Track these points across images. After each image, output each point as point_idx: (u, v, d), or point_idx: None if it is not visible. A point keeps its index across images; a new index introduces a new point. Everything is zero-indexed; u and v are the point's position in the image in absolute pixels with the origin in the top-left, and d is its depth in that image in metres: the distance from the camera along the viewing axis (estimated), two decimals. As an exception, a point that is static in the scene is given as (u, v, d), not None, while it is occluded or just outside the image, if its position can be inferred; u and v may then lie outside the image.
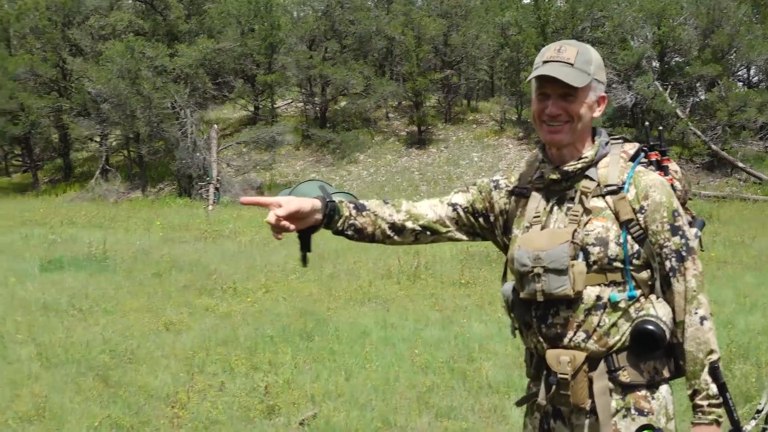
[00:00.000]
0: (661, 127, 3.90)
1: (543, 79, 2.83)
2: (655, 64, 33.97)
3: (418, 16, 36.60)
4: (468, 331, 9.62)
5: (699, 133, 30.70)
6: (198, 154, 31.45)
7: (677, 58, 34.27)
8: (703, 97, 33.10)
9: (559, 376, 2.84)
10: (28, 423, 6.66)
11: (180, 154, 32.24)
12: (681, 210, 2.85)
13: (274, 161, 33.75)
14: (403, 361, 8.34)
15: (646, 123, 3.46)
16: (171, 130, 32.80)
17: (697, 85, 33.46)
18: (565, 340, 2.83)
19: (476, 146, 35.17)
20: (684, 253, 2.78)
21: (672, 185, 2.93)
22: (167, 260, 15.13)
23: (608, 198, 2.82)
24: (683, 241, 2.79)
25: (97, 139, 36.68)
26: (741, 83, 35.58)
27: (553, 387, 2.88)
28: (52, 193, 35.59)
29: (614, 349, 2.80)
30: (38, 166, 39.75)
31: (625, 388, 2.82)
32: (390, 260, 14.53)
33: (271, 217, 2.74)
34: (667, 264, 2.79)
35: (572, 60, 2.81)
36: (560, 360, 2.84)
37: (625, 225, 2.78)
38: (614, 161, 2.89)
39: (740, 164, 30.40)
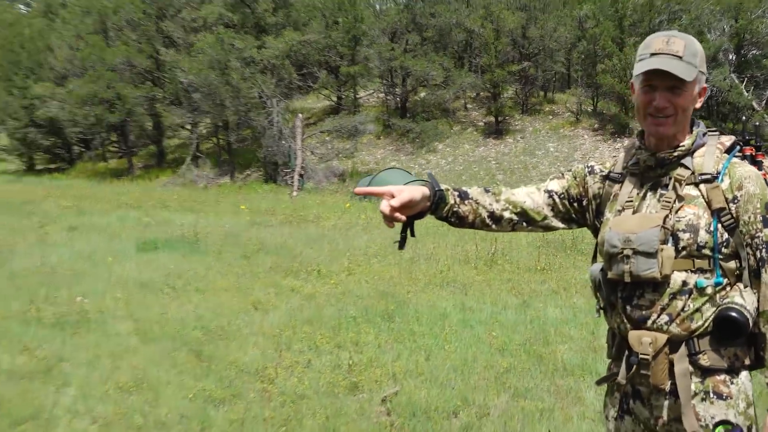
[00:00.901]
0: (757, 123, 3.85)
1: (652, 72, 2.78)
2: (732, 56, 33.30)
3: (498, 9, 36.35)
4: (544, 316, 9.59)
5: (774, 125, 30.04)
6: (283, 142, 31.69)
7: (754, 51, 33.54)
8: (779, 90, 32.40)
9: (641, 356, 2.84)
10: (128, 393, 6.81)
11: (266, 142, 32.54)
12: None
13: (356, 149, 33.85)
14: (481, 343, 8.35)
15: (743, 118, 3.45)
16: (258, 119, 33.08)
17: (774, 77, 32.75)
18: (649, 322, 2.82)
19: (552, 137, 34.86)
20: None
21: (766, 180, 2.88)
22: (255, 243, 15.29)
23: (702, 186, 2.80)
24: None
25: (188, 127, 37.24)
26: (817, 77, 34.64)
27: (634, 367, 2.88)
28: (145, 178, 36.20)
29: (696, 333, 2.79)
30: (133, 152, 40.43)
31: (705, 372, 2.81)
32: (467, 246, 14.52)
33: (385, 207, 2.79)
34: (757, 254, 2.76)
35: (681, 53, 2.76)
36: (642, 341, 2.84)
37: (716, 213, 2.75)
38: (710, 152, 2.86)
39: (816, 157, 29.64)
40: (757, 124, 3.74)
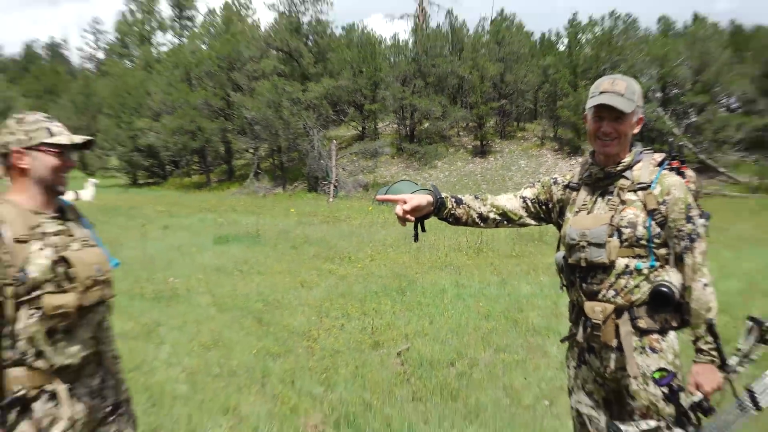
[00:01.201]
0: (680, 143, 3.90)
1: (601, 106, 2.83)
2: (658, 94, 33.14)
3: (482, 60, 36.31)
4: (518, 290, 9.57)
5: (690, 146, 29.80)
6: (322, 161, 31.73)
7: (675, 90, 33.35)
8: (694, 119, 32.18)
9: (593, 321, 2.88)
10: (207, 350, 6.85)
11: (309, 162, 32.60)
12: (694, 204, 2.84)
13: (376, 167, 33.83)
14: (471, 311, 8.34)
15: (671, 139, 3.49)
16: (303, 144, 33.15)
17: (690, 110, 32.48)
18: (599, 296, 2.88)
19: (523, 156, 34.78)
20: (694, 236, 2.79)
21: (687, 186, 2.92)
22: (301, 237, 15.31)
23: (639, 192, 2.85)
24: (694, 227, 2.79)
25: (251, 150, 37.22)
26: (723, 109, 34.42)
27: (589, 329, 2.92)
28: (219, 189, 36.30)
29: (636, 303, 2.83)
30: (210, 170, 40.54)
31: (642, 332, 2.85)
32: (460, 238, 14.49)
33: (399, 210, 2.86)
34: (681, 243, 2.80)
35: (623, 91, 2.84)
36: (595, 309, 2.88)
37: (650, 213, 2.80)
38: (645, 166, 2.90)
39: (721, 169, 29.57)
40: (681, 144, 3.75)
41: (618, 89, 2.84)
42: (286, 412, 5.21)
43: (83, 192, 24.58)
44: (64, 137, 2.74)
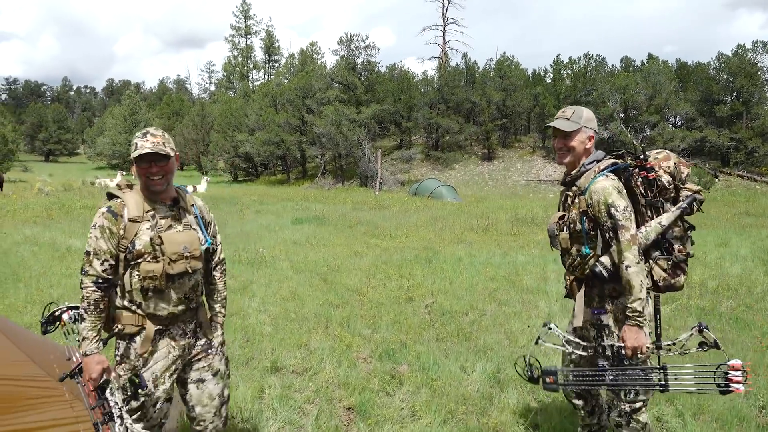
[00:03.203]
0: (643, 145, 3.79)
1: (553, 128, 2.87)
2: (621, 115, 32.40)
3: (489, 90, 35.92)
4: (516, 260, 9.39)
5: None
6: (370, 164, 31.67)
7: (634, 112, 32.60)
8: (648, 133, 31.41)
9: (565, 283, 3.03)
10: (286, 301, 6.84)
11: (361, 165, 32.55)
12: (616, 203, 2.69)
13: (410, 168, 33.73)
14: (480, 275, 8.20)
15: (635, 144, 3.38)
16: (357, 152, 33.10)
17: (645, 126, 31.74)
18: (567, 269, 3.00)
19: (519, 161, 34.31)
20: (616, 228, 2.70)
21: (657, 178, 2.84)
22: (354, 219, 15.27)
23: (579, 197, 2.84)
24: (615, 221, 2.70)
25: (319, 156, 37.36)
26: (670, 126, 33.52)
27: (566, 288, 3.07)
28: (296, 185, 36.51)
29: (588, 276, 2.87)
30: (290, 170, 40.78)
31: (599, 294, 2.90)
32: (472, 221, 14.32)
33: None
34: (607, 235, 2.75)
35: (568, 116, 2.85)
36: (565, 277, 3.04)
37: (582, 213, 2.80)
38: (588, 174, 2.88)
39: (670, 171, 28.94)
40: (644, 145, 3.66)
41: (565, 115, 2.84)
42: (344, 347, 5.17)
43: (199, 186, 25.04)
44: (137, 152, 2.55)
